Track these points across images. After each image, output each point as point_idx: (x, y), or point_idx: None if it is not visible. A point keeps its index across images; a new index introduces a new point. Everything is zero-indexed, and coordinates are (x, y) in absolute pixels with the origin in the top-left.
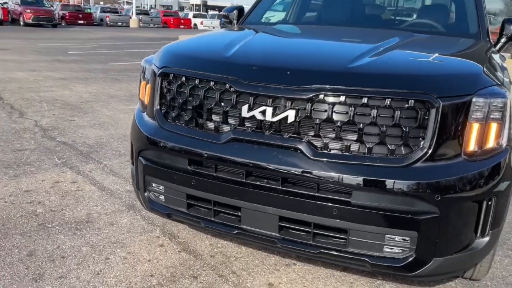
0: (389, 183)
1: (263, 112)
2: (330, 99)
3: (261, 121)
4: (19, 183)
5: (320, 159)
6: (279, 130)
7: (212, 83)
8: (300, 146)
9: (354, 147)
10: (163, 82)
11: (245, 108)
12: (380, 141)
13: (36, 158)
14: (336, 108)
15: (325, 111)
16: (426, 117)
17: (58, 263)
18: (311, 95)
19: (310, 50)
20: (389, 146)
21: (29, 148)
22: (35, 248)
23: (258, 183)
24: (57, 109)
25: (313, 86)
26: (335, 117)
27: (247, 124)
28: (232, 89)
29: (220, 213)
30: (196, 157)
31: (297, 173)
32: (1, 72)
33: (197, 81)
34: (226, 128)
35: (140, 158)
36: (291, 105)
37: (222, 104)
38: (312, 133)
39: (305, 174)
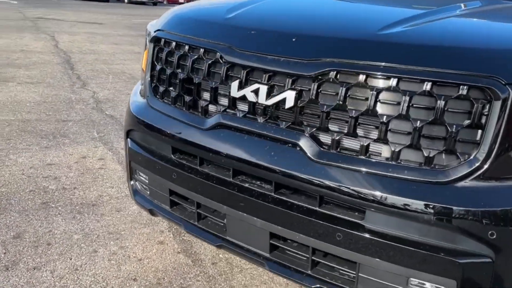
0: (420, 205)
1: (256, 92)
2: (344, 78)
3: (254, 103)
4: (46, 155)
5: (324, 161)
6: (275, 118)
7: (201, 51)
8: (299, 142)
9: (374, 148)
10: (154, 49)
11: (235, 85)
12: (412, 143)
13: (75, 130)
14: (351, 91)
15: (336, 94)
16: (486, 113)
17: (40, 251)
18: (318, 72)
19: (329, 13)
20: (424, 152)
21: (74, 119)
22: (25, 230)
23: (246, 185)
24: (120, 82)
25: (322, 59)
26: (350, 104)
27: (238, 106)
28: (223, 59)
29: (206, 217)
30: (179, 145)
31: (293, 178)
32: (87, 44)
33: (186, 48)
34: (213, 111)
35: (128, 140)
36: (292, 84)
37: (211, 78)
38: (316, 125)
39: (303, 181)
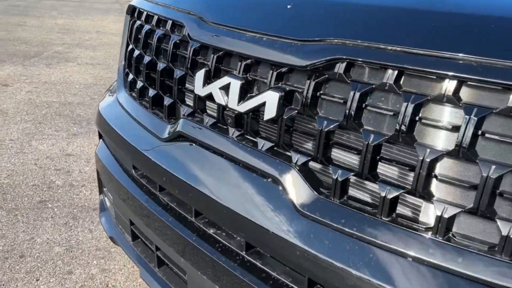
0: None
1: (226, 90)
2: (362, 74)
3: (224, 108)
4: (70, 143)
5: (319, 218)
6: (254, 133)
7: (169, 25)
8: (281, 178)
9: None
10: (129, 23)
11: (200, 77)
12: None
13: None
14: (374, 98)
15: (344, 102)
16: None
17: (7, 265)
18: (317, 62)
19: None
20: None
21: None
22: (3, 235)
23: (210, 233)
24: None
25: (328, 40)
26: (368, 119)
27: (207, 110)
28: (189, 36)
29: (166, 264)
30: (135, 159)
31: (269, 237)
32: None
33: (154, 20)
34: (177, 113)
35: (99, 143)
36: (276, 80)
37: (177, 65)
38: (311, 153)
39: (284, 246)
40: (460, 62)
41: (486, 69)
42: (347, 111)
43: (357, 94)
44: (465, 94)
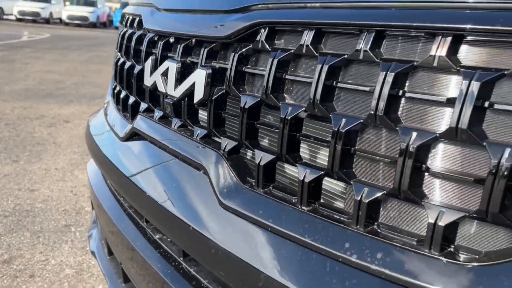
0: None
1: (166, 76)
2: (290, 40)
3: (165, 96)
4: None
5: (239, 209)
6: (189, 120)
7: (135, 22)
8: (207, 166)
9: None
10: (121, 30)
11: (148, 66)
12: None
13: None
14: (303, 64)
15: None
16: None
17: (15, 284)
18: (238, 31)
19: None
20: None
21: None
22: (21, 255)
23: (156, 238)
24: None
25: (251, 7)
26: (291, 88)
27: (160, 101)
28: (142, 26)
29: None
30: (101, 164)
31: (196, 236)
32: None
33: (128, 23)
34: (136, 109)
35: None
36: (206, 58)
37: (138, 60)
38: (236, 137)
39: (207, 244)
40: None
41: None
42: (264, 83)
43: (275, 62)
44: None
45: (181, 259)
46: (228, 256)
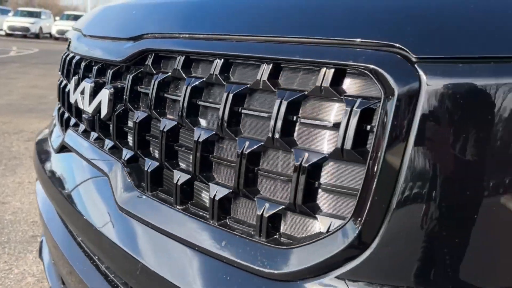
0: None
1: (83, 94)
2: (166, 66)
3: (83, 111)
4: None
5: (132, 212)
6: (101, 133)
7: (68, 41)
8: (109, 174)
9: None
10: None
11: (72, 85)
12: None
13: None
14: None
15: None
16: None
17: None
18: (130, 56)
19: None
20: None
21: None
22: None
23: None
24: None
25: (144, 35)
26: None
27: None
28: (69, 49)
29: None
30: (39, 177)
31: (99, 233)
32: None
33: (68, 40)
34: (68, 124)
35: None
36: (112, 80)
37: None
38: (130, 143)
39: (107, 241)
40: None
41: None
42: (149, 101)
43: (157, 83)
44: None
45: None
46: (121, 252)
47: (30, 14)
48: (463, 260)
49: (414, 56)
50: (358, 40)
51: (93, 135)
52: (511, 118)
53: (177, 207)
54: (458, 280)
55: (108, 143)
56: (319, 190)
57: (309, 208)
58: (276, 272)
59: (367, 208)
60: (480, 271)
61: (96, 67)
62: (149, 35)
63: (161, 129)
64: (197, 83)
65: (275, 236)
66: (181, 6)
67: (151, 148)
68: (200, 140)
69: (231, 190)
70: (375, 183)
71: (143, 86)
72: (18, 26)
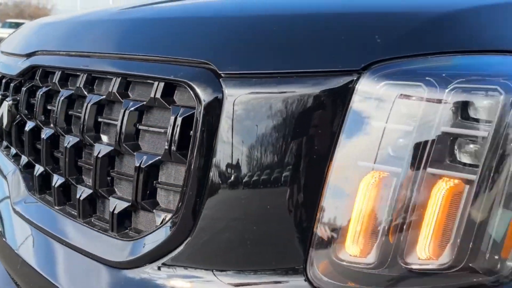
0: None
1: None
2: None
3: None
4: None
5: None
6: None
7: None
8: (8, 176)
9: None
10: None
11: None
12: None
13: None
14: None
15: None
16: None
17: None
18: (23, 70)
19: None
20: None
21: None
22: None
23: None
24: None
25: (33, 51)
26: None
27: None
28: None
29: None
30: None
31: None
32: None
33: None
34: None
35: None
36: (11, 92)
37: None
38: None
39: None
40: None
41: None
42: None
43: (43, 95)
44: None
45: None
46: (7, 248)
47: (19, 26)
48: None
49: (220, 72)
50: (179, 58)
51: (4, 143)
52: (284, 119)
53: (56, 207)
54: (259, 263)
55: (12, 151)
56: (157, 188)
57: (148, 204)
58: (120, 261)
59: (185, 202)
60: (273, 254)
61: (3, 82)
62: (39, 52)
63: (42, 137)
64: (68, 94)
65: (126, 230)
66: (61, 27)
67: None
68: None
69: (92, 191)
70: (190, 180)
71: (35, 97)
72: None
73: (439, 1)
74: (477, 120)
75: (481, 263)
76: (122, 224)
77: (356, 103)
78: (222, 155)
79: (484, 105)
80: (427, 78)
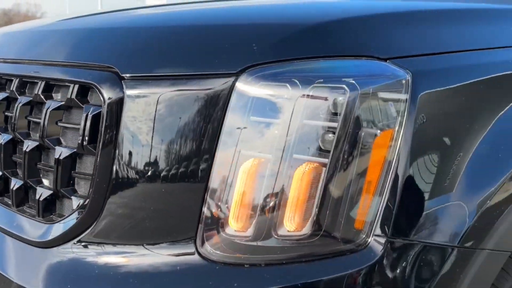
0: None
1: None
2: None
3: None
4: None
5: None
6: None
7: None
8: None
9: None
10: None
11: None
12: None
13: None
14: None
15: None
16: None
17: None
18: None
19: None
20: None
21: None
22: None
23: None
24: None
25: None
26: None
27: None
28: None
29: None
30: None
31: None
32: None
33: None
34: None
35: None
36: None
37: None
38: None
39: None
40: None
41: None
42: None
43: None
44: None
45: None
46: None
47: None
48: (159, 224)
49: (122, 75)
50: (90, 63)
51: None
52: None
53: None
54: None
55: None
56: (75, 177)
57: (67, 192)
58: (44, 241)
59: (94, 188)
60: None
61: None
62: None
63: None
64: (4, 97)
65: (51, 216)
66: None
67: None
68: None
69: (23, 182)
70: (97, 169)
71: None
72: None
73: (306, 14)
74: (331, 113)
75: (338, 234)
76: (48, 210)
77: (234, 101)
78: (124, 147)
79: (335, 101)
80: (292, 79)
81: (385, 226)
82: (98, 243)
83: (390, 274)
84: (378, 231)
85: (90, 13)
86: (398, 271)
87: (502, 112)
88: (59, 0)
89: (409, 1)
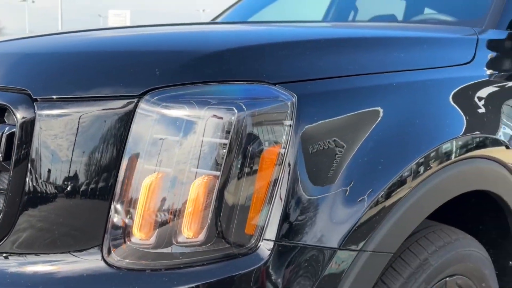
0: None
1: None
2: None
3: None
4: None
5: None
6: None
7: None
8: None
9: None
10: None
11: None
12: None
13: None
14: None
15: None
16: None
17: None
18: None
19: None
20: None
21: None
22: None
23: None
24: None
25: None
26: None
27: None
28: None
29: None
30: None
31: None
32: None
33: None
34: None
35: None
36: None
37: None
38: None
39: None
40: None
41: None
42: None
43: None
44: None
45: None
46: None
47: None
48: (67, 233)
49: (34, 97)
50: (6, 86)
51: None
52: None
53: None
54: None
55: None
56: None
57: None
58: None
59: (7, 202)
60: None
61: None
62: None
63: None
64: None
65: None
66: None
67: None
68: None
69: None
70: (11, 184)
71: None
72: None
73: (205, 42)
74: (223, 131)
75: (231, 239)
76: None
77: (137, 121)
78: (35, 164)
79: (226, 120)
80: (190, 101)
81: (274, 231)
82: (13, 253)
83: (278, 274)
84: (268, 235)
85: (18, 37)
86: (284, 271)
87: (374, 125)
88: (18, 15)
89: (300, 30)
